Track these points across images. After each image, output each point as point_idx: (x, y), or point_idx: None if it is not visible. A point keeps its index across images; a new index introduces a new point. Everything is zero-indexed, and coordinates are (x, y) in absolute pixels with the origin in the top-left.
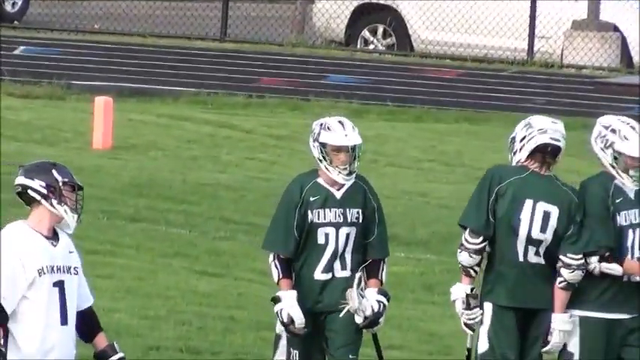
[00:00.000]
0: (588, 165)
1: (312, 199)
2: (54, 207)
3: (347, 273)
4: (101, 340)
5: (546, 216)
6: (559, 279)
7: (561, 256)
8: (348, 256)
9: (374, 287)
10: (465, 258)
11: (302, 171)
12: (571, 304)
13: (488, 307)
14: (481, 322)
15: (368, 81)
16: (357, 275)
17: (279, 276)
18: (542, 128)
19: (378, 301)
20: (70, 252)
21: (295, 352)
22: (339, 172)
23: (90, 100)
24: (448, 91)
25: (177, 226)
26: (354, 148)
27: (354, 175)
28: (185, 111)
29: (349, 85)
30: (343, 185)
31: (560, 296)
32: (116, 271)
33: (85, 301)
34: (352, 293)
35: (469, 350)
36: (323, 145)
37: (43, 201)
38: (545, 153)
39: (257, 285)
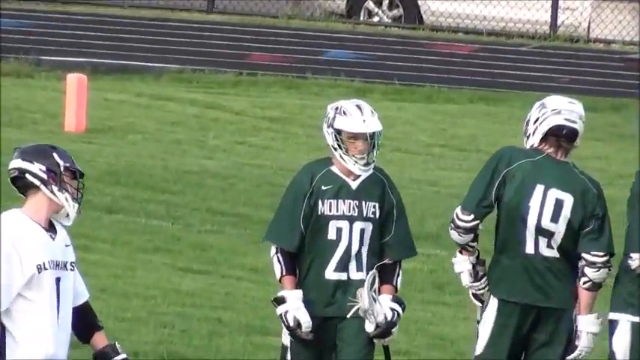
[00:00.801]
0: (617, 150)
1: (323, 188)
2: (54, 194)
3: (364, 275)
4: (100, 340)
5: (558, 204)
6: (583, 279)
7: (584, 254)
8: (364, 256)
9: (388, 294)
10: (455, 236)
11: (297, 156)
12: (618, 309)
13: (493, 303)
14: (482, 316)
15: (372, 57)
16: (371, 273)
17: (282, 272)
18: (556, 108)
19: (392, 309)
20: (67, 245)
21: None
22: (356, 162)
23: (61, 77)
24: (461, 69)
25: (159, 218)
26: (372, 135)
27: (372, 166)
28: (168, 90)
29: (351, 61)
30: (359, 175)
31: (585, 297)
32: (90, 267)
33: (81, 297)
34: (363, 292)
35: (479, 322)
36: (338, 131)
37: (42, 187)
38: (560, 136)
39: (247, 283)
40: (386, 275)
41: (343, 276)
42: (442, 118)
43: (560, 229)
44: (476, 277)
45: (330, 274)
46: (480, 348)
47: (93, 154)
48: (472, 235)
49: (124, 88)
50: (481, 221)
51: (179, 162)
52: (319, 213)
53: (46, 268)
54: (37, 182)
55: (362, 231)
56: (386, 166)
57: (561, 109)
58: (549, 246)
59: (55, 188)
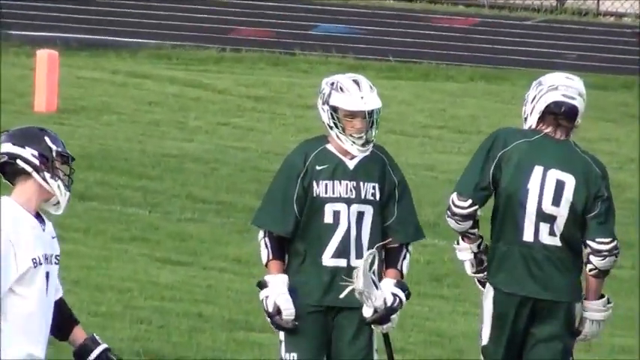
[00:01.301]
0: (629, 132)
1: (318, 168)
2: (46, 181)
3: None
4: (79, 334)
5: (559, 186)
6: (589, 266)
7: (589, 241)
8: (365, 241)
9: (391, 278)
10: (453, 224)
11: (285, 138)
12: None
13: (489, 292)
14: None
15: (365, 31)
16: (370, 252)
17: (268, 257)
18: (552, 85)
19: (394, 295)
20: (53, 237)
21: (293, 355)
22: (353, 142)
23: (31, 54)
24: (461, 44)
25: (135, 206)
26: (371, 113)
27: (370, 146)
28: (145, 67)
29: (342, 36)
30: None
31: (592, 283)
32: (62, 258)
33: (58, 292)
34: (359, 272)
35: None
36: (334, 109)
37: (34, 174)
38: (558, 114)
39: (230, 275)
40: (390, 259)
41: (342, 262)
42: (440, 98)
43: (562, 212)
44: (480, 265)
45: (328, 260)
46: (484, 339)
47: (65, 136)
48: (471, 222)
49: (98, 65)
50: (480, 206)
51: (157, 145)
52: (314, 195)
53: (40, 263)
54: (28, 168)
55: (360, 214)
56: None
57: (558, 84)
58: (551, 233)
59: (47, 175)
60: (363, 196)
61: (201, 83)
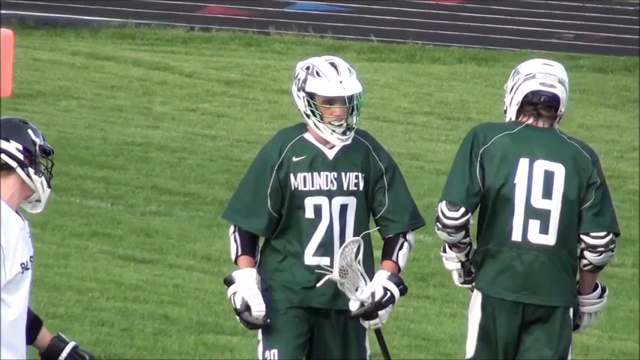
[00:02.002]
0: (630, 118)
1: (295, 159)
2: (30, 178)
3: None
4: (45, 335)
5: (549, 177)
6: (583, 261)
7: (583, 236)
8: (349, 237)
9: (385, 270)
10: (444, 237)
11: (258, 125)
12: None
13: (477, 297)
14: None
15: (345, 9)
16: (353, 240)
17: (237, 252)
18: (530, 73)
19: (385, 289)
20: (29, 237)
21: (274, 352)
22: (333, 130)
23: None
24: (449, 23)
25: (96, 198)
26: (351, 98)
27: (352, 134)
28: (107, 48)
29: (321, 14)
30: None
31: (587, 278)
32: None
33: None
34: (336, 259)
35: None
36: (311, 95)
37: (19, 169)
38: (538, 104)
39: (198, 274)
40: (387, 249)
41: (325, 260)
42: (426, 81)
43: (555, 205)
44: (468, 275)
45: (310, 258)
46: (470, 351)
47: None
48: (464, 233)
49: (55, 46)
50: (472, 213)
51: (120, 132)
52: (292, 189)
53: (27, 268)
54: (13, 164)
55: (344, 207)
56: None
57: (536, 72)
58: (543, 231)
59: (31, 171)
60: (345, 188)
61: (167, 66)
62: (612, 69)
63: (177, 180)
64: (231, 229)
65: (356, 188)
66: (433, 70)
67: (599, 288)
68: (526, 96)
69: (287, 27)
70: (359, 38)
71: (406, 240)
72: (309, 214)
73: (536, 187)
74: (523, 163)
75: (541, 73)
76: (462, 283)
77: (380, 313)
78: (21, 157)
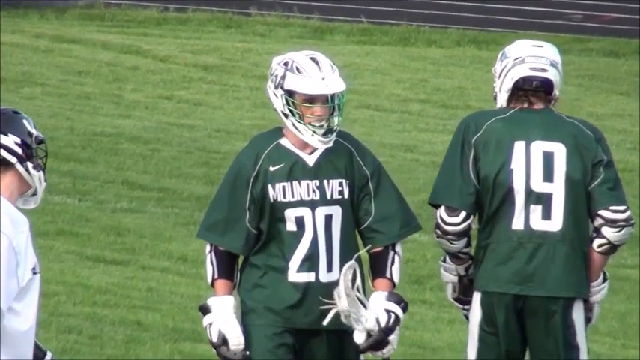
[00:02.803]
0: None
1: (272, 169)
2: (29, 173)
3: (336, 276)
4: None
5: (548, 158)
6: (598, 241)
7: (601, 211)
8: (337, 250)
9: (382, 290)
10: (446, 245)
11: (238, 115)
12: None
13: (476, 297)
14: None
15: None
16: (349, 265)
17: (213, 275)
18: (519, 57)
19: (388, 311)
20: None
21: None
22: (314, 132)
23: None
24: (446, 3)
25: (62, 194)
26: (334, 97)
27: (334, 136)
28: (74, 30)
29: None
30: (317, 147)
31: (598, 261)
32: None
33: None
34: (340, 289)
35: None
36: (289, 93)
37: (18, 165)
38: (529, 90)
39: (174, 277)
40: (378, 266)
41: (310, 277)
42: (422, 66)
43: (558, 188)
44: (462, 292)
45: (293, 275)
46: (471, 355)
47: None
48: (466, 240)
49: (17, 28)
50: (474, 216)
51: (88, 122)
52: (271, 201)
53: (37, 272)
54: (12, 159)
55: (328, 218)
56: (349, 128)
57: (525, 56)
58: (545, 216)
59: (30, 165)
60: (329, 197)
61: (139, 49)
62: (624, 53)
63: (151, 174)
64: (207, 248)
65: (340, 197)
66: (429, 54)
67: (602, 274)
68: (516, 82)
69: (269, 7)
70: (348, 19)
71: (396, 252)
72: (291, 226)
73: (536, 171)
74: (519, 146)
75: (531, 56)
76: (454, 299)
77: (390, 338)
78: (20, 151)
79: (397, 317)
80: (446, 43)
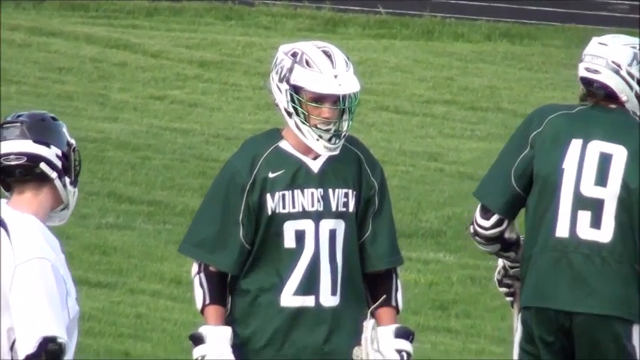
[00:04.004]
0: None
1: (271, 175)
2: (66, 189)
3: (338, 300)
4: None
5: (604, 161)
6: None
7: None
8: (340, 270)
9: (388, 324)
10: (477, 245)
11: (239, 117)
12: None
13: (517, 315)
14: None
15: None
16: (370, 324)
17: (204, 301)
18: (584, 53)
19: (400, 352)
20: None
21: None
22: (320, 135)
23: None
24: None
25: None
26: (346, 98)
27: (341, 142)
28: (54, 21)
29: None
30: None
31: None
32: None
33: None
34: (367, 347)
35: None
36: (296, 89)
37: (57, 181)
38: (592, 92)
39: (165, 301)
40: (379, 293)
41: (309, 301)
42: (447, 63)
43: (611, 194)
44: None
45: (289, 299)
46: None
47: None
48: (498, 245)
49: None
50: (510, 223)
51: (70, 125)
52: (269, 212)
53: (77, 298)
54: (53, 174)
55: (332, 233)
56: (365, 133)
57: (586, 53)
58: (595, 224)
59: (67, 180)
60: (334, 208)
61: (128, 43)
62: None
63: (141, 185)
64: (194, 268)
65: (345, 209)
66: (455, 49)
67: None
68: (581, 81)
69: None
70: (364, 10)
71: (397, 276)
72: (289, 242)
73: (588, 172)
74: (575, 144)
75: (589, 55)
76: (498, 280)
77: None
78: (59, 165)
79: (409, 354)
80: (474, 37)
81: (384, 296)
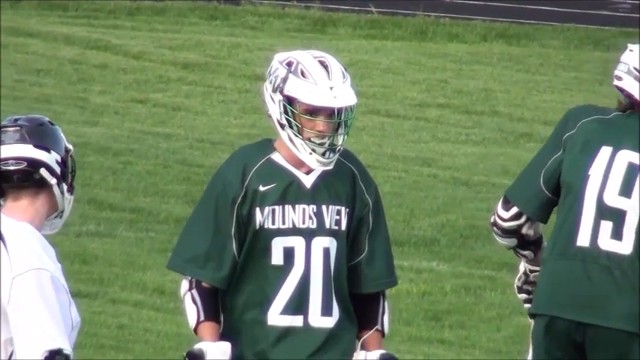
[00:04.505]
0: None
1: (262, 188)
2: (64, 195)
3: (332, 321)
4: None
5: (632, 171)
6: None
7: None
8: (333, 290)
9: (375, 349)
10: (495, 237)
11: (225, 122)
12: None
13: (531, 325)
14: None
15: None
16: (362, 353)
17: (198, 318)
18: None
19: None
20: None
21: None
22: (313, 149)
23: None
24: None
25: None
26: (341, 111)
27: (335, 157)
28: (31, 21)
29: None
30: None
31: None
32: None
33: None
34: None
35: None
36: (290, 100)
37: (56, 187)
38: (624, 96)
39: (148, 311)
40: (366, 315)
41: (297, 321)
42: (441, 65)
43: (634, 205)
44: (526, 282)
45: (276, 318)
46: None
47: None
48: (515, 240)
49: None
50: (530, 221)
51: None
52: (256, 226)
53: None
54: (52, 180)
55: (327, 252)
56: (356, 137)
57: (618, 60)
58: (616, 235)
59: (65, 187)
60: (327, 225)
61: (108, 44)
62: None
63: (122, 191)
64: (185, 285)
65: (337, 227)
66: (449, 50)
67: None
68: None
69: None
70: (355, 9)
71: (385, 299)
72: (277, 259)
73: (613, 182)
74: (605, 151)
75: (619, 61)
76: (518, 287)
77: None
78: (58, 170)
79: None
80: (469, 38)
81: (363, 290)
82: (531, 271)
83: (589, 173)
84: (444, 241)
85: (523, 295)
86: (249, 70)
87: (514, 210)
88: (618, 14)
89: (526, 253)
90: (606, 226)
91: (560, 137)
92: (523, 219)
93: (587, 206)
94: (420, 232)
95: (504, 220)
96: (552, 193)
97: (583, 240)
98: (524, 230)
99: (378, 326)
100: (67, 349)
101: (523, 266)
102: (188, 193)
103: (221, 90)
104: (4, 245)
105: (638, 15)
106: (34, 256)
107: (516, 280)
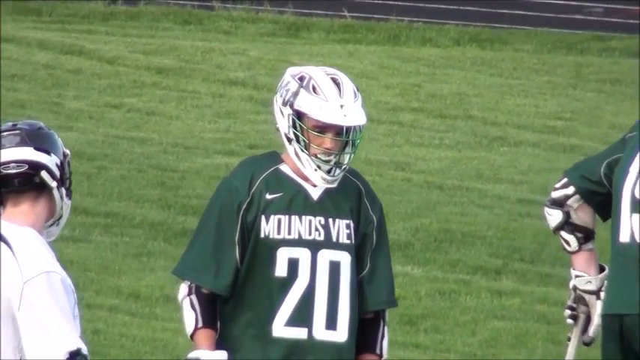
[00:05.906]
0: None
1: (269, 197)
2: (62, 199)
3: (342, 336)
4: None
5: None
6: None
7: None
8: (343, 306)
9: None
10: (545, 210)
11: (199, 126)
12: None
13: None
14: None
15: None
16: None
17: (196, 324)
18: None
19: None
20: None
21: None
22: (318, 165)
23: None
24: None
25: None
26: (349, 130)
27: (340, 175)
28: (6, 27)
29: None
30: None
31: None
32: None
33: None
34: None
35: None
36: (299, 114)
37: (56, 191)
38: None
39: (124, 316)
40: (365, 337)
41: (301, 333)
42: (414, 69)
43: None
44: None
45: (281, 330)
46: None
47: None
48: (560, 214)
49: None
50: (581, 197)
51: None
52: (261, 235)
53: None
54: (52, 183)
55: (334, 266)
56: None
57: None
58: None
59: (64, 191)
60: (335, 239)
61: (83, 49)
62: None
63: (97, 196)
64: (183, 290)
65: (349, 241)
66: (423, 54)
67: None
68: None
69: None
70: (328, 13)
71: (385, 322)
72: (281, 270)
73: None
74: None
75: None
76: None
77: None
78: (58, 174)
79: None
80: (443, 42)
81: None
82: (576, 288)
83: (628, 170)
84: (419, 245)
85: (567, 312)
86: (223, 74)
87: (565, 179)
88: (591, 18)
89: (569, 238)
90: (637, 219)
91: (624, 137)
92: (571, 190)
93: (624, 202)
94: (395, 237)
95: (555, 190)
96: (607, 183)
97: (624, 236)
98: (570, 202)
99: (377, 350)
100: (84, 348)
101: (572, 282)
102: (162, 197)
103: (195, 95)
104: (12, 251)
105: (610, 19)
106: (43, 260)
107: (568, 300)
